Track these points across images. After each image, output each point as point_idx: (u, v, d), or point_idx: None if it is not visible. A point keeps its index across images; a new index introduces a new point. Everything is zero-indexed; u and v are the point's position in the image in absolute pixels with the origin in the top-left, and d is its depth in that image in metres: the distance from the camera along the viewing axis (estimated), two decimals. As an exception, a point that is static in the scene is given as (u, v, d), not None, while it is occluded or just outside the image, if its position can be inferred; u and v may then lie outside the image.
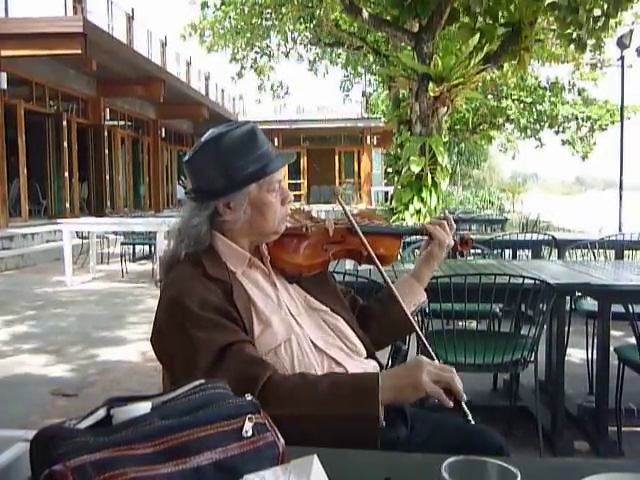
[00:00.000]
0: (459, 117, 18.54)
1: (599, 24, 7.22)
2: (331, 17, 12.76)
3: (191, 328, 1.21)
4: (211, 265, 1.30)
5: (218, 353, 1.18)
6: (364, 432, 1.12)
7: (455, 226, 1.61)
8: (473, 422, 1.16)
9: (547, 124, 18.74)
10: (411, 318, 1.41)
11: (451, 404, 1.13)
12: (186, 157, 1.38)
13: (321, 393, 1.16)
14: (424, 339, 1.37)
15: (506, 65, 9.03)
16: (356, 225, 1.46)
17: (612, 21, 8.83)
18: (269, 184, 1.35)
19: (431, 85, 7.92)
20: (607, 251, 4.54)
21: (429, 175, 8.11)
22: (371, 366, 1.41)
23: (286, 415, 1.03)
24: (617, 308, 2.79)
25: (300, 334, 1.32)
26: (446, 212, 1.61)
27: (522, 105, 18.49)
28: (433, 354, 1.29)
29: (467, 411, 1.16)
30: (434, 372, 1.13)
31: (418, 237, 1.66)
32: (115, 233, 9.23)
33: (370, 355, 1.45)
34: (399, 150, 10.10)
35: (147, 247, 9.35)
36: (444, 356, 2.56)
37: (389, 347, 1.78)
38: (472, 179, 29.26)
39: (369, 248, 1.44)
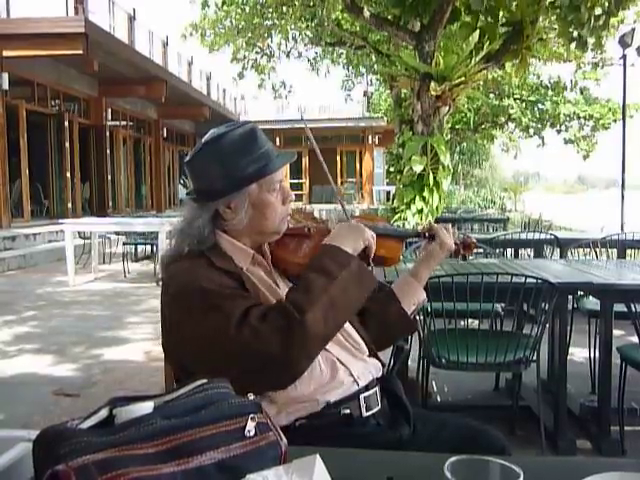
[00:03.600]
0: (461, 116, 18.52)
1: (600, 22, 7.20)
2: (332, 17, 12.75)
3: (214, 299, 1.21)
4: (218, 259, 1.30)
5: (245, 311, 1.20)
6: (365, 278, 1.31)
7: (457, 232, 1.61)
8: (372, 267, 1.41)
9: (549, 123, 18.71)
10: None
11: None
12: (187, 157, 1.38)
13: (317, 278, 1.24)
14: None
15: (508, 64, 9.00)
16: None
17: (614, 20, 8.81)
18: (269, 184, 1.35)
19: (433, 84, 7.90)
20: (609, 250, 4.54)
21: (431, 174, 8.10)
22: (372, 364, 1.41)
23: (320, 303, 1.19)
24: (619, 307, 2.79)
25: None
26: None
27: (524, 104, 18.47)
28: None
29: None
30: (367, 229, 1.38)
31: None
32: (117, 233, 9.24)
33: (372, 354, 1.45)
34: (401, 149, 10.08)
35: (149, 247, 9.36)
36: (447, 355, 2.57)
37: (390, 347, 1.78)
38: (474, 178, 29.23)
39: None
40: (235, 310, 1.19)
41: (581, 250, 4.58)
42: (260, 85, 16.42)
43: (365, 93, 22.69)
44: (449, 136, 15.84)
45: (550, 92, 18.22)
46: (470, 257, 1.71)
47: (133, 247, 9.45)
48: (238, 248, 1.36)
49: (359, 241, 1.35)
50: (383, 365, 1.46)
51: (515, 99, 18.35)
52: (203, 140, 1.36)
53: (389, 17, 9.20)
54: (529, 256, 5.87)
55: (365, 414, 1.33)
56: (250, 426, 0.79)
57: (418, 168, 8.00)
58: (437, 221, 7.84)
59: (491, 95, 18.36)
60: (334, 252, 1.30)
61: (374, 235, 1.39)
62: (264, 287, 1.35)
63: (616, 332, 3.05)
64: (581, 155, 19.26)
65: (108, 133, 15.42)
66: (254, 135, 1.36)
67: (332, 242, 1.33)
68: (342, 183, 24.74)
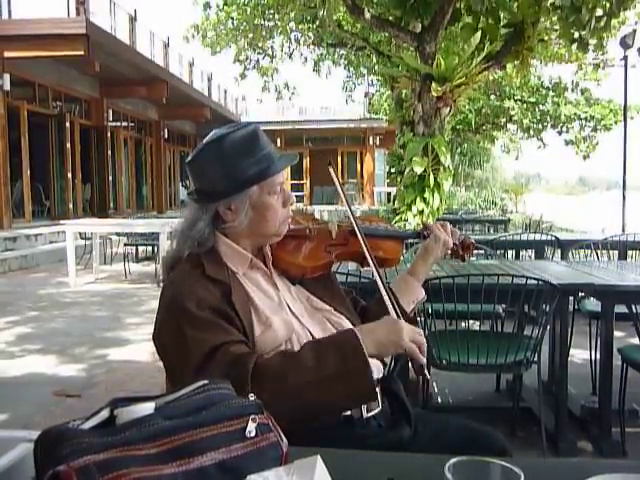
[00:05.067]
0: (462, 117, 18.50)
1: (601, 23, 7.19)
2: (334, 17, 12.74)
3: (186, 326, 1.22)
4: (211, 266, 1.31)
5: (209, 352, 1.19)
6: (359, 388, 1.18)
7: (458, 232, 1.61)
8: (428, 376, 1.26)
9: (550, 124, 18.70)
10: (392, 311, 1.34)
11: (424, 360, 1.22)
12: (188, 158, 1.38)
13: (308, 359, 1.18)
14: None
15: (509, 65, 9.01)
16: (357, 227, 1.45)
17: (615, 21, 8.81)
18: (270, 186, 1.35)
19: (434, 85, 7.90)
20: (610, 251, 4.54)
21: (432, 176, 8.10)
22: (373, 365, 1.41)
23: (283, 392, 1.10)
24: (620, 309, 2.78)
25: (302, 334, 1.32)
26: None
27: (525, 105, 18.45)
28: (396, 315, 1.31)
29: (426, 370, 1.25)
30: (412, 332, 1.24)
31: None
32: (118, 234, 9.25)
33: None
34: (402, 150, 10.09)
35: (150, 248, 9.37)
36: (448, 356, 2.56)
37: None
38: (475, 180, 29.16)
39: (367, 251, 1.42)
40: (199, 348, 1.19)
41: (582, 251, 4.57)
42: (264, 88, 16.44)
43: (366, 94, 22.68)
44: (450, 137, 15.84)
45: (551, 93, 18.21)
46: (470, 258, 1.70)
47: (134, 248, 9.46)
48: (236, 252, 1.36)
49: (392, 347, 1.23)
50: (384, 365, 1.45)
51: (516, 100, 18.34)
52: (205, 141, 1.36)
53: (390, 18, 9.20)
54: (530, 257, 5.87)
55: (366, 415, 1.32)
56: (251, 427, 0.79)
57: (419, 169, 8.00)
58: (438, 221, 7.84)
59: (492, 96, 18.35)
60: (347, 342, 1.20)
61: (423, 342, 1.23)
62: (260, 292, 1.35)
63: (617, 333, 3.04)
64: (581, 156, 19.25)
65: (109, 134, 15.44)
66: (256, 137, 1.36)
67: (361, 332, 1.22)
68: (343, 184, 24.69)
